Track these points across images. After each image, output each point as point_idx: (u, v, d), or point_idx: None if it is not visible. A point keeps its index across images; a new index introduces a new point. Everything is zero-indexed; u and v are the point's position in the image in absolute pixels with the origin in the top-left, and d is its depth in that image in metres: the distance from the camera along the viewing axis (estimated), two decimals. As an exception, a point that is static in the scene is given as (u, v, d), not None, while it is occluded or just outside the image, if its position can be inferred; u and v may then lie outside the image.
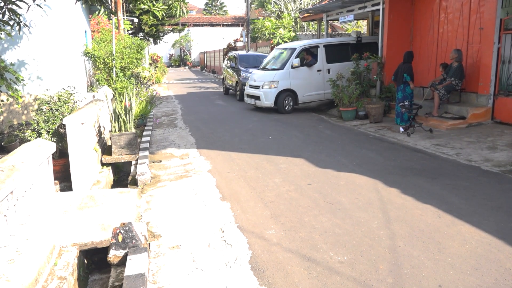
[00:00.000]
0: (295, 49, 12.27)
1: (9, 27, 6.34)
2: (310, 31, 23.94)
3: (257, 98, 12.29)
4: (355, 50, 12.52)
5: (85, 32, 10.68)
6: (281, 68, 12.13)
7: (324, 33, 15.68)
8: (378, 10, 11.76)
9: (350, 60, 12.28)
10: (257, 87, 12.33)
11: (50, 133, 6.28)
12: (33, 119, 6.58)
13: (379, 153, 7.15)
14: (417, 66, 11.06)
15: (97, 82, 10.47)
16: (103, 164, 7.07)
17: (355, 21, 21.60)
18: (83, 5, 9.90)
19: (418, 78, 10.53)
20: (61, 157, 6.15)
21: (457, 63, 9.15)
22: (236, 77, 16.14)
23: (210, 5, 66.54)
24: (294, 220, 4.47)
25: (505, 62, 8.62)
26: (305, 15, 18.28)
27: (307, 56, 12.32)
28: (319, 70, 12.32)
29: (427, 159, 6.70)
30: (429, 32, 10.83)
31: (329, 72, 12.38)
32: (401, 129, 8.60)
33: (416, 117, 8.55)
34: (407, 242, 3.87)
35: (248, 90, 12.96)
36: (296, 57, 12.08)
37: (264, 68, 12.99)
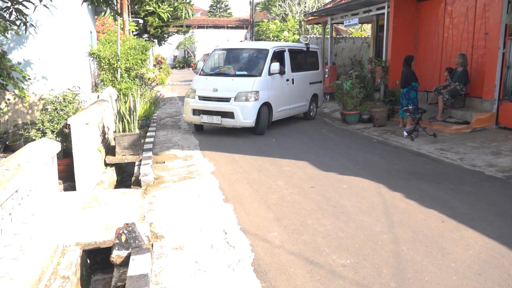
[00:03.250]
0: (267, 50, 9.64)
1: (15, 27, 6.39)
2: (315, 34, 23.97)
3: (224, 115, 8.93)
4: (305, 57, 11.27)
5: (91, 32, 10.74)
6: (257, 74, 9.27)
7: (328, 36, 15.70)
8: (383, 14, 11.77)
9: (306, 70, 11.11)
10: (224, 100, 8.97)
11: (55, 132, 6.30)
12: (38, 119, 6.61)
13: (382, 157, 7.14)
14: (422, 71, 11.05)
15: (102, 83, 10.52)
16: (106, 165, 7.09)
17: (360, 24, 21.62)
18: (89, 6, 9.96)
19: (422, 83, 10.51)
20: (65, 156, 6.18)
21: (461, 68, 9.14)
22: None
23: (214, 7, 66.75)
24: (297, 223, 4.46)
25: (510, 67, 8.61)
26: (310, 18, 18.31)
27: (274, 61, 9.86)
28: (287, 80, 10.12)
29: (430, 163, 6.68)
30: (434, 36, 10.82)
31: (293, 83, 10.36)
32: (405, 133, 8.59)
33: (420, 122, 8.54)
34: (410, 247, 3.86)
35: (200, 104, 9.18)
36: (271, 61, 9.52)
37: (222, 74, 9.68)
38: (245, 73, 9.48)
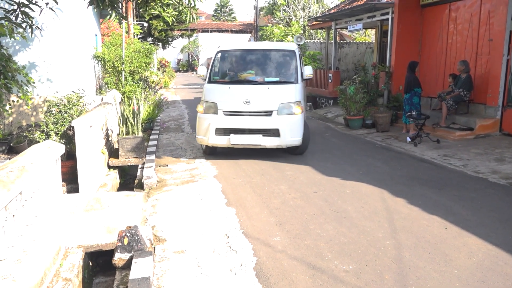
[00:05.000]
0: (293, 51, 8.03)
1: (21, 30, 6.44)
2: (318, 39, 24.02)
3: (265, 133, 7.16)
4: (300, 61, 9.24)
5: (96, 35, 10.79)
6: (294, 80, 7.62)
7: (332, 41, 15.72)
8: (387, 19, 11.79)
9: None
10: (263, 114, 7.18)
11: (59, 135, 6.34)
12: (42, 121, 6.65)
13: (385, 162, 7.13)
14: (425, 76, 11.04)
15: (106, 85, 10.55)
16: (110, 167, 7.11)
17: (364, 30, 21.66)
18: (95, 9, 10.02)
19: (426, 88, 10.50)
20: (69, 159, 6.21)
21: (465, 74, 9.13)
22: None
23: (219, 11, 67.01)
24: (299, 228, 4.46)
25: (514, 74, 8.59)
26: (314, 23, 18.36)
27: None
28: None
29: (434, 169, 6.66)
30: (438, 42, 10.82)
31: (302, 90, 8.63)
32: (408, 139, 8.58)
33: (423, 127, 8.52)
34: (413, 253, 3.84)
35: (229, 121, 7.22)
36: (301, 64, 8.01)
37: (246, 81, 7.67)
38: (277, 79, 7.74)
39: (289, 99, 7.28)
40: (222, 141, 7.27)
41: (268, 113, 7.17)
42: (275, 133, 7.14)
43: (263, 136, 7.16)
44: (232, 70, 8.28)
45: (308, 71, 7.85)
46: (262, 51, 8.25)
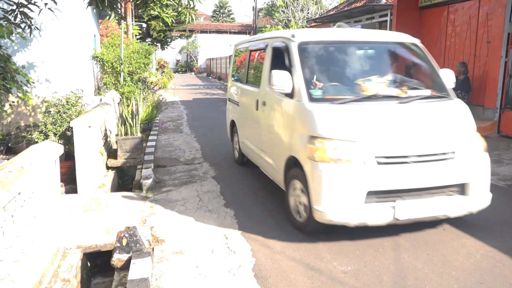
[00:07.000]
0: (418, 47, 5.46)
1: (20, 30, 6.44)
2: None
3: (446, 190, 4.05)
4: None
5: (94, 36, 10.79)
6: (444, 92, 4.86)
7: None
8: (386, 21, 11.82)
9: None
10: (437, 157, 3.99)
11: (57, 135, 6.34)
12: (41, 121, 6.65)
13: (384, 164, 7.13)
14: (424, 78, 11.06)
15: (105, 86, 10.55)
16: (108, 168, 7.11)
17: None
18: (94, 10, 10.02)
19: (424, 90, 10.50)
20: (67, 159, 6.20)
21: (463, 76, 9.17)
22: None
23: (218, 12, 67.15)
24: (298, 229, 4.46)
25: (512, 76, 8.62)
26: (313, 24, 18.41)
27: None
28: None
29: (432, 171, 6.67)
30: (436, 44, 10.85)
31: None
32: (407, 141, 8.57)
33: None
34: (411, 254, 3.85)
35: (386, 177, 3.79)
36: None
37: (381, 97, 4.29)
38: (427, 92, 4.69)
39: (466, 126, 4.54)
40: (380, 217, 3.84)
41: (446, 156, 4.06)
42: (460, 190, 4.12)
43: (447, 196, 4.05)
44: (341, 76, 4.80)
45: (451, 77, 4.87)
46: (373, 45, 5.15)
